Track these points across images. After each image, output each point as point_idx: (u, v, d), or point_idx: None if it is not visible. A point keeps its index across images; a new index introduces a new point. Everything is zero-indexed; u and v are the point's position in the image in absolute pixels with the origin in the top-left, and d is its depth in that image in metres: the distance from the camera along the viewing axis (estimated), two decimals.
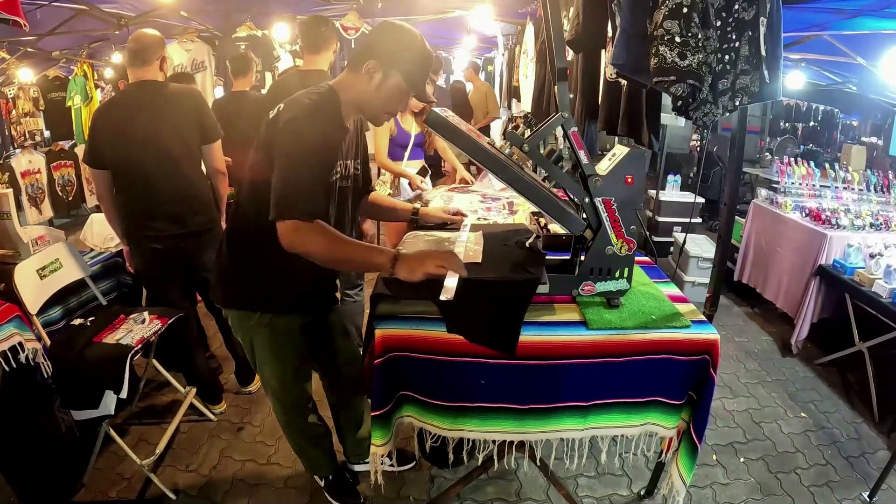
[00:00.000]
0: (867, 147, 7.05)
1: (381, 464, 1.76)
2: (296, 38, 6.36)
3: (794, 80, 5.71)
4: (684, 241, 4.47)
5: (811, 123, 9.97)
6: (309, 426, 2.21)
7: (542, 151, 1.71)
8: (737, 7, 1.49)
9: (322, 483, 2.38)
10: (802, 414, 3.18)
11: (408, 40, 1.66)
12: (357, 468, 2.51)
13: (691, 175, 7.28)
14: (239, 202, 1.84)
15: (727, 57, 1.49)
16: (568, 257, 1.96)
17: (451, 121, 1.57)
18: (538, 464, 2.26)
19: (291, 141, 1.58)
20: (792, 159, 4.71)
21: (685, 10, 1.38)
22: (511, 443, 1.80)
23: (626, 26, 1.61)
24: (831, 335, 3.77)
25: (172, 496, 2.43)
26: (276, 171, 1.58)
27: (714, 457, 2.77)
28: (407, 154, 3.78)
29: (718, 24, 1.46)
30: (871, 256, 3.42)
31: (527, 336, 1.60)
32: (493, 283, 1.61)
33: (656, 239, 5.46)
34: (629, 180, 1.71)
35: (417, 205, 2.25)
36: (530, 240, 1.87)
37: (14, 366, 2.12)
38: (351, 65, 1.71)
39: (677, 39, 1.37)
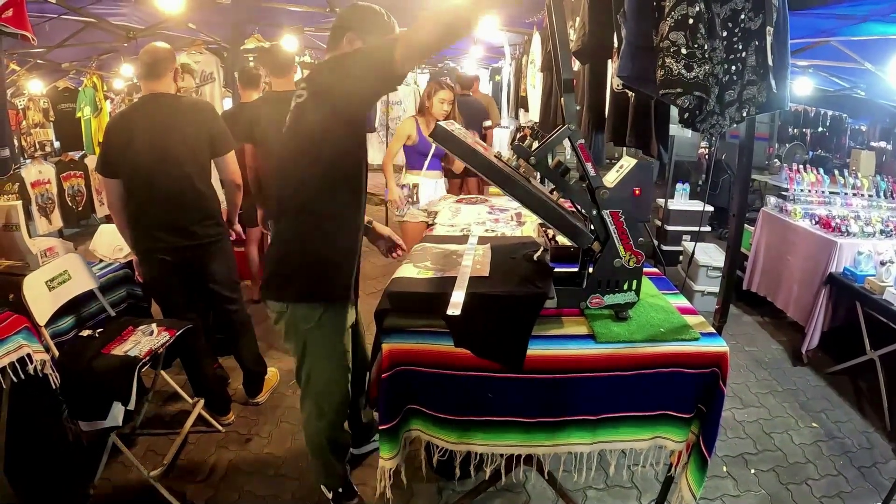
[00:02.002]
0: (876, 152, 7.01)
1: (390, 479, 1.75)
2: (302, 50, 6.44)
3: (802, 85, 5.69)
4: (693, 251, 4.44)
5: (820, 129, 9.92)
6: (340, 434, 2.23)
7: (549, 163, 1.70)
8: (743, 17, 1.48)
9: (330, 495, 2.37)
10: (813, 424, 3.15)
11: (371, 10, 1.94)
12: (358, 451, 2.63)
13: (700, 183, 7.25)
14: (283, 198, 1.92)
15: (734, 67, 1.48)
16: (576, 270, 1.95)
17: (456, 134, 1.57)
18: (546, 477, 2.24)
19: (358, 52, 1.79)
20: (801, 166, 4.68)
21: (691, 21, 1.37)
22: (519, 456, 1.78)
23: (631, 38, 1.60)
24: (842, 344, 3.73)
25: None
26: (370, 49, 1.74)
27: (724, 468, 2.74)
28: (426, 163, 3.82)
29: (725, 34, 1.45)
30: (882, 264, 3.39)
31: (535, 350, 1.59)
32: (500, 298, 1.60)
33: (665, 248, 5.42)
34: (637, 192, 1.71)
35: (369, 219, 2.29)
36: (538, 253, 1.86)
37: (22, 377, 2.13)
38: (332, 44, 1.94)
39: (683, 51, 1.36)
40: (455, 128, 1.63)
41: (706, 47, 1.39)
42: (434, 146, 3.57)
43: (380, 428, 1.65)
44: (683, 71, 1.37)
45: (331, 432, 2.20)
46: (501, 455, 1.76)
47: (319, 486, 2.40)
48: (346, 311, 2.04)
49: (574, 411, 1.67)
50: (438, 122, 1.57)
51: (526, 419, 1.67)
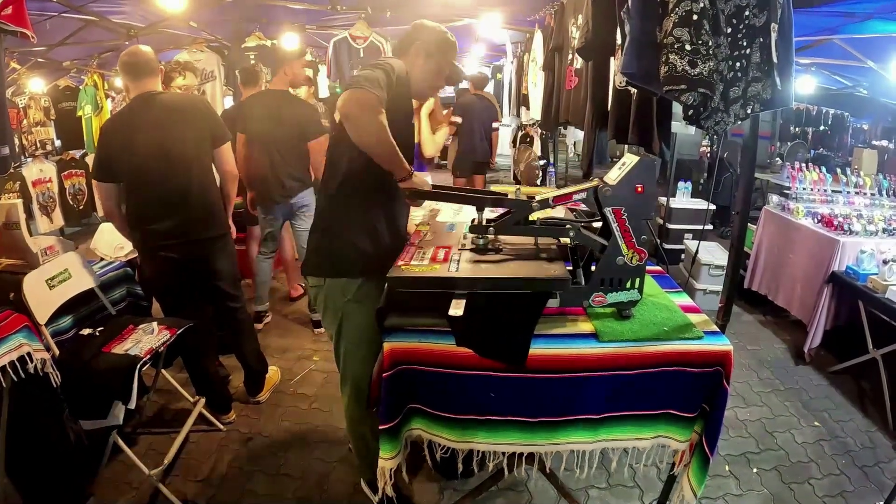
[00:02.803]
0: (878, 150, 6.99)
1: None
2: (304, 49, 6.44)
3: (804, 84, 5.68)
4: (697, 249, 4.43)
5: (822, 128, 9.90)
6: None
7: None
8: (747, 13, 1.47)
9: (375, 499, 2.30)
10: (816, 423, 3.14)
11: (439, 31, 2.07)
12: None
13: (702, 181, 7.24)
14: (323, 180, 2.05)
15: (738, 64, 1.46)
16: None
17: (412, 275, 1.65)
18: (548, 475, 2.23)
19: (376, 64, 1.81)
20: (803, 164, 4.66)
21: (695, 17, 1.36)
22: (521, 454, 1.77)
23: (635, 34, 1.59)
24: (844, 343, 3.72)
25: None
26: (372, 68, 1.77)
27: (726, 467, 2.73)
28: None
29: (729, 30, 1.44)
30: (885, 262, 3.38)
31: (537, 349, 1.59)
32: (502, 297, 1.59)
33: (667, 246, 5.41)
34: (639, 189, 1.69)
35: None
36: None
37: (22, 375, 2.12)
38: (400, 49, 2.08)
39: (687, 47, 1.35)
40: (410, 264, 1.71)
41: (710, 44, 1.38)
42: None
43: (381, 427, 1.65)
44: (688, 67, 1.36)
45: (371, 419, 2.16)
46: (503, 453, 1.75)
47: (361, 484, 2.37)
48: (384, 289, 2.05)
49: (577, 410, 1.67)
50: (390, 275, 1.65)
51: (528, 418, 1.67)
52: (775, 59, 1.48)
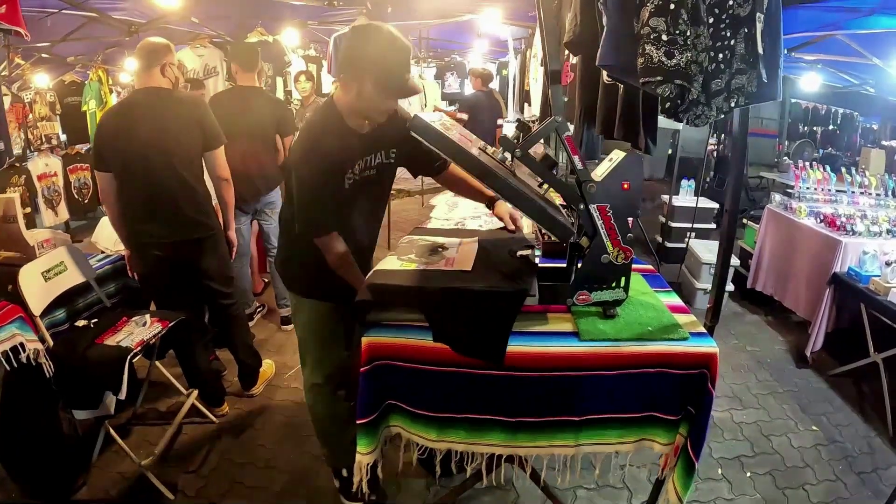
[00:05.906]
0: (887, 151, 6.89)
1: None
2: (308, 44, 6.46)
3: (810, 81, 5.59)
4: (687, 245, 4.38)
5: (830, 127, 9.80)
6: (336, 400, 2.21)
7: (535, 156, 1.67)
8: (731, 2, 1.42)
9: (337, 484, 2.35)
10: (814, 427, 3.09)
11: (369, 45, 1.72)
12: None
13: (706, 180, 7.17)
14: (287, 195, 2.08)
15: (721, 55, 1.42)
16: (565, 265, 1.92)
17: (434, 126, 1.54)
18: (530, 476, 2.20)
19: (300, 166, 1.80)
20: (807, 163, 4.60)
21: (672, 6, 1.32)
22: (500, 456, 1.75)
23: (613, 26, 1.56)
24: (846, 345, 3.66)
25: (171, 496, 2.44)
26: (296, 194, 1.83)
27: (719, 471, 2.69)
28: None
29: (711, 20, 1.40)
30: (888, 264, 3.32)
31: (515, 346, 1.56)
32: (478, 294, 1.57)
33: (669, 245, 5.36)
34: (625, 186, 1.67)
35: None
36: (521, 251, 1.82)
37: (15, 365, 2.14)
38: (339, 78, 1.91)
39: (664, 38, 1.31)
40: (436, 121, 1.60)
41: (689, 34, 1.34)
42: None
43: (357, 422, 1.63)
44: (664, 58, 1.33)
45: (328, 397, 2.21)
46: (483, 454, 1.73)
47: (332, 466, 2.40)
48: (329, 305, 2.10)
49: (556, 411, 1.64)
50: (416, 114, 1.54)
51: (507, 418, 1.64)
52: (761, 51, 1.43)
